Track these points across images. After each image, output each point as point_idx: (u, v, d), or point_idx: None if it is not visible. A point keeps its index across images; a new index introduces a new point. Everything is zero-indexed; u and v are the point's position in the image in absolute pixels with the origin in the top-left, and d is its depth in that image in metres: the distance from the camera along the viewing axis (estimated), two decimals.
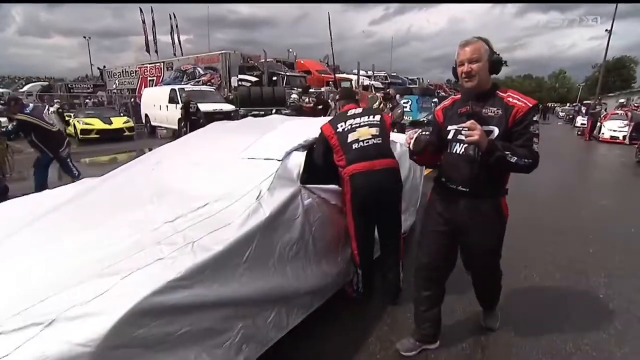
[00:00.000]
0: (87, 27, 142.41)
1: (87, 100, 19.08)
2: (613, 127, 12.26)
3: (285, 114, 9.30)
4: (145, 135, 14.02)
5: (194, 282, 1.34)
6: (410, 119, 10.51)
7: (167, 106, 12.51)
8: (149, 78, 23.27)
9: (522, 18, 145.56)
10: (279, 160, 2.07)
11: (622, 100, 18.16)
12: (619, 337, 2.15)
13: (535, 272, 2.95)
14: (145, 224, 1.65)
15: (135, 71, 24.48)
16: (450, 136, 1.71)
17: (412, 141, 1.71)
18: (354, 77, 22.02)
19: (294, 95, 10.94)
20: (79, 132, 11.53)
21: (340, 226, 2.26)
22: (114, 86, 26.87)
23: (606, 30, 28.92)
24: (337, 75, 20.14)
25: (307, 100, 10.73)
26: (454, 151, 1.70)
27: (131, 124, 12.85)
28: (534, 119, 1.61)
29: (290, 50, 21.26)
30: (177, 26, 29.46)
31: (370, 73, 25.26)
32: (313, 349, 2.00)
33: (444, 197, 1.79)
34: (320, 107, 9.75)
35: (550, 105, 38.37)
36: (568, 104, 41.81)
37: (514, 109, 1.58)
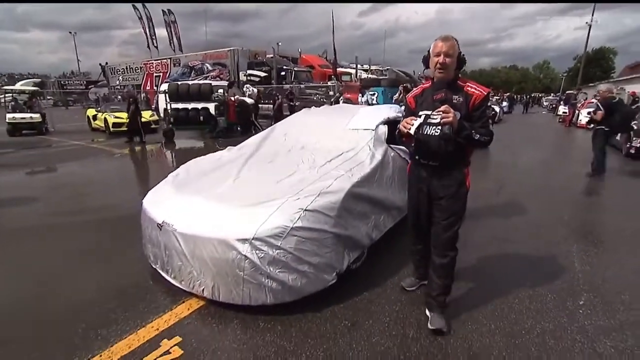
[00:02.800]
0: (67, 21, 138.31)
1: (120, 96, 20.15)
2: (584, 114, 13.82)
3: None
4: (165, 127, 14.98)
5: (361, 185, 2.63)
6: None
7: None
8: (155, 74, 24.02)
9: (510, 8, 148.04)
10: (373, 130, 3.34)
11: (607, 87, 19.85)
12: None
13: (529, 209, 4.36)
14: (313, 163, 2.92)
15: (141, 67, 25.15)
16: (421, 120, 1.95)
17: (414, 129, 1.92)
18: (353, 71, 23.32)
19: (220, 91, 12.11)
20: (110, 125, 12.52)
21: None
22: (117, 82, 27.50)
23: (587, 22, 30.72)
24: (337, 69, 21.34)
25: (231, 96, 12.28)
26: (425, 132, 1.94)
27: (156, 117, 13.90)
28: (488, 104, 1.99)
29: (279, 43, 21.96)
30: (173, 21, 30.22)
31: (366, 67, 26.56)
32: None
33: (419, 171, 2.14)
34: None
35: (535, 95, 39.99)
36: (552, 94, 43.67)
37: (472, 97, 1.92)
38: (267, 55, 19.83)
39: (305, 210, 2.21)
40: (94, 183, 6.10)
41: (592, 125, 6.35)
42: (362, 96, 13.71)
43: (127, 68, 26.77)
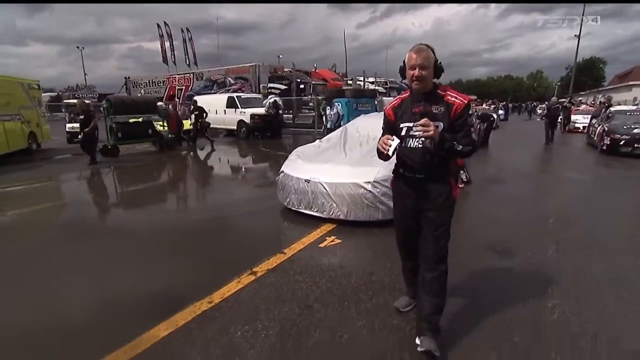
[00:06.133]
0: (68, 35, 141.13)
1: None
2: (577, 120, 15.75)
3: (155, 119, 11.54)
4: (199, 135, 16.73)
5: None
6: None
7: (224, 110, 15.32)
8: (177, 87, 25.91)
9: (505, 20, 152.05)
10: None
11: (580, 99, 22.02)
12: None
13: (524, 194, 6.12)
14: None
15: (163, 81, 27.08)
16: (403, 133, 1.95)
17: (392, 150, 1.86)
18: (361, 83, 25.29)
19: (160, 103, 12.59)
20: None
21: None
22: (139, 95, 29.39)
23: (575, 35, 32.72)
24: (348, 81, 23.37)
25: (171, 108, 13.20)
26: (409, 145, 1.95)
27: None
28: (470, 112, 1.91)
29: (280, 56, 23.57)
30: (190, 39, 32.47)
31: (371, 79, 28.58)
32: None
33: (404, 184, 2.06)
34: (196, 112, 12.52)
35: (530, 104, 42.25)
36: (545, 102, 45.78)
37: (453, 106, 1.87)
38: (285, 69, 21.83)
39: None
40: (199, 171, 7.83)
41: (542, 118, 13.06)
42: (331, 108, 13.48)
43: (149, 82, 28.61)
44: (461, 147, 1.84)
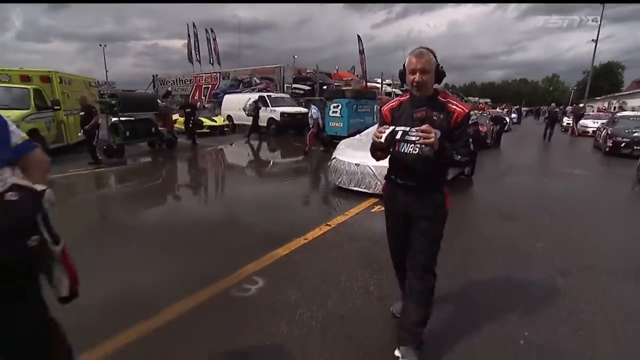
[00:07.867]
0: (87, 32, 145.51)
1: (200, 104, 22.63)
2: (586, 125, 16.62)
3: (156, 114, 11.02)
4: (229, 132, 18.07)
5: None
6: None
7: None
8: (203, 86, 27.43)
9: (523, 21, 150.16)
10: None
11: (581, 105, 23.12)
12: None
13: (529, 184, 7.25)
14: None
15: (190, 80, 28.64)
16: (398, 136, 1.81)
17: (384, 136, 1.78)
18: (379, 85, 26.42)
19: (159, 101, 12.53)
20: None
21: None
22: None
23: (592, 40, 32.76)
24: (367, 83, 24.48)
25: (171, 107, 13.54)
26: (402, 150, 1.88)
27: (227, 122, 17.06)
28: (469, 122, 1.89)
29: (295, 56, 24.25)
30: (214, 39, 34.07)
31: (388, 81, 29.71)
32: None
33: (395, 192, 2.01)
34: (188, 110, 12.39)
35: (546, 107, 42.74)
36: (560, 107, 46.27)
37: (454, 114, 1.82)
38: (308, 71, 23.10)
39: None
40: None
41: (545, 120, 16.21)
42: (310, 110, 11.01)
43: (176, 80, 30.24)
44: (459, 157, 1.79)
